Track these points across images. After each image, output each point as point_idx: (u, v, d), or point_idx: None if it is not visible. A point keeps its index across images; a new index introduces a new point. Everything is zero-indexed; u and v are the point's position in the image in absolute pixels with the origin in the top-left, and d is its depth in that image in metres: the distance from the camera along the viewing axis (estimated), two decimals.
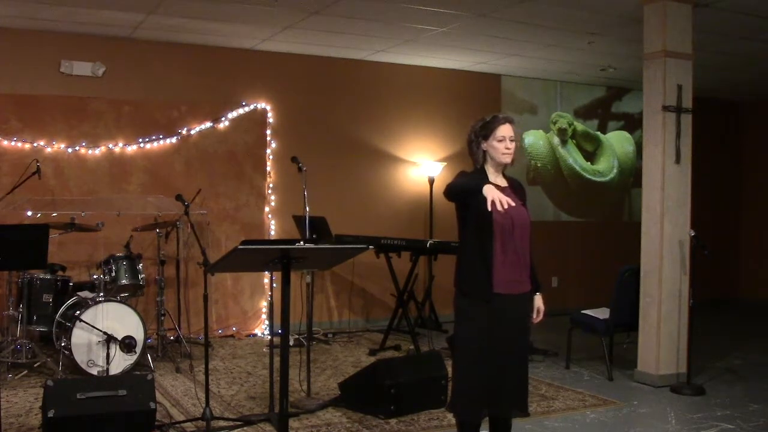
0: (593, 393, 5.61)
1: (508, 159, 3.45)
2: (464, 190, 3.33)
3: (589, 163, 10.05)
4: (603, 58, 8.27)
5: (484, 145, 3.47)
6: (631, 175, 10.31)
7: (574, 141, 9.93)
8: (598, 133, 10.15)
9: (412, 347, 6.94)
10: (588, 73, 9.18)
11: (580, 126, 9.97)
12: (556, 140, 9.74)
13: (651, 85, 6.00)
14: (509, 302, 3.42)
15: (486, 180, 3.36)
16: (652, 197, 5.97)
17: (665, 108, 5.86)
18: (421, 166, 8.79)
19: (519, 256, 3.44)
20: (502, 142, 3.42)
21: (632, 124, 10.27)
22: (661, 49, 5.87)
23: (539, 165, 9.65)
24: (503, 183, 3.49)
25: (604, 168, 10.17)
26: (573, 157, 9.89)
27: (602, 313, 6.28)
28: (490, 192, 3.11)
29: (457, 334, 3.49)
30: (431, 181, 8.67)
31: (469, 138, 3.54)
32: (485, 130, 3.46)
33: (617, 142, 10.27)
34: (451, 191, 3.37)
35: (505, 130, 3.43)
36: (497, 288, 3.38)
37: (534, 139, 9.61)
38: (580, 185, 9.97)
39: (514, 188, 3.56)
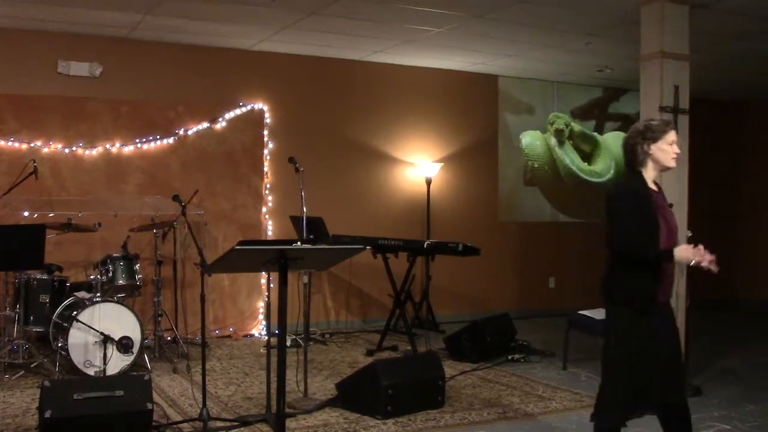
0: (590, 393, 5.58)
1: (674, 163, 3.52)
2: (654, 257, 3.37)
3: (586, 163, 10.05)
4: (600, 58, 8.28)
5: (651, 148, 3.51)
6: None
7: (571, 142, 9.93)
8: (595, 133, 10.16)
9: (409, 348, 6.94)
10: (585, 73, 9.19)
11: (577, 126, 9.97)
12: (553, 141, 9.74)
13: (648, 86, 5.99)
14: (664, 308, 3.49)
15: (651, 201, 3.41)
16: None
17: (662, 109, 5.85)
18: (419, 166, 8.79)
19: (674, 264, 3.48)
20: (672, 146, 3.50)
21: (629, 124, 10.17)
22: (658, 50, 5.87)
23: (536, 166, 9.64)
24: (655, 188, 3.54)
25: (602, 169, 10.18)
26: (570, 158, 9.89)
27: (599, 314, 6.25)
28: (688, 255, 3.21)
29: (619, 343, 3.48)
30: (428, 182, 8.67)
31: (632, 140, 3.57)
32: (654, 133, 3.51)
33: (614, 142, 10.26)
34: (638, 255, 3.36)
35: (674, 136, 3.52)
36: (661, 296, 3.44)
37: (531, 139, 9.61)
38: (578, 186, 9.97)
39: (661, 192, 3.60)
